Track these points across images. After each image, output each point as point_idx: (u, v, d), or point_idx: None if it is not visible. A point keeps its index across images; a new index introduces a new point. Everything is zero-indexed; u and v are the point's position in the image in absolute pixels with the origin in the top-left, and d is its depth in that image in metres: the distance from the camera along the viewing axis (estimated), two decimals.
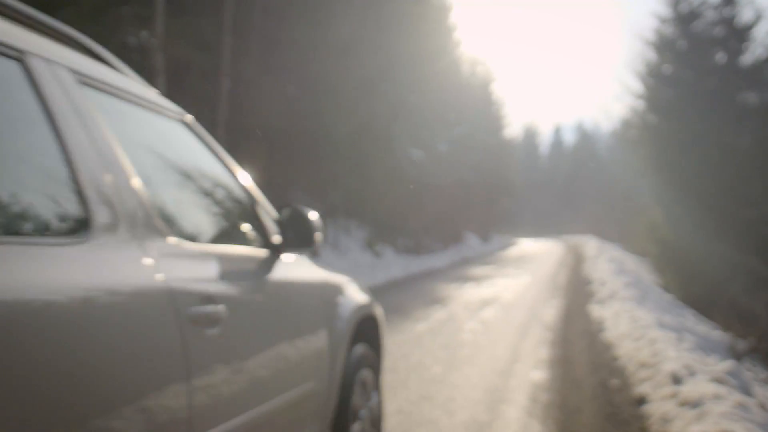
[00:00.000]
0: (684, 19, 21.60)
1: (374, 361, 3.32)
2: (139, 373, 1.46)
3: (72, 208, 1.45)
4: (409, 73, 23.14)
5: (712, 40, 20.77)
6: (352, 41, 19.10)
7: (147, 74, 11.42)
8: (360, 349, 3.10)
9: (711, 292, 14.23)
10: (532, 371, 5.87)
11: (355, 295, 3.19)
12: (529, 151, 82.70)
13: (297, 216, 2.55)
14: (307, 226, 2.52)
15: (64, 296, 1.27)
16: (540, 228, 68.46)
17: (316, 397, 2.59)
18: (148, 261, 1.60)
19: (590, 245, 32.44)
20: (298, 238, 2.52)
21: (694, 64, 20.62)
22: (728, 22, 20.61)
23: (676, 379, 4.62)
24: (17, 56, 1.44)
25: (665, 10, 22.27)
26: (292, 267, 2.62)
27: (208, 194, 2.40)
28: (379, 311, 3.47)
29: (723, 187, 16.62)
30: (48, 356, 1.20)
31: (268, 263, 2.40)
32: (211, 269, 1.92)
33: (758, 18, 20.25)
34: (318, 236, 2.58)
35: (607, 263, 18.46)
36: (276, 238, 2.51)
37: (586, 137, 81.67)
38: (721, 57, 20.64)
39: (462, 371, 5.81)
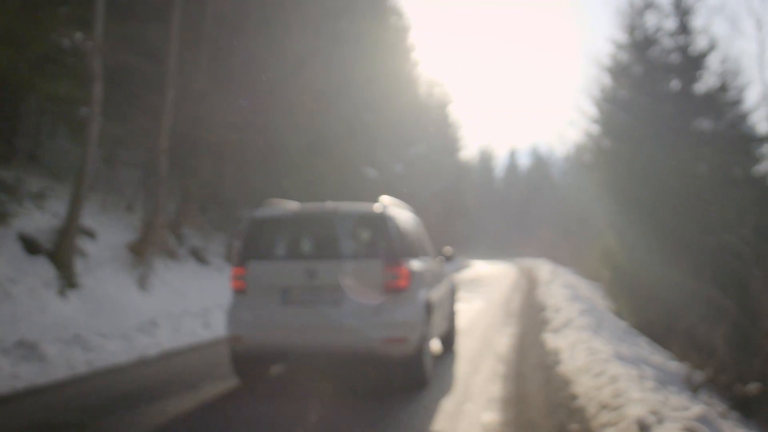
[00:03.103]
0: (640, 45, 21.71)
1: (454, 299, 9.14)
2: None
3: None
4: (365, 90, 22.72)
5: (668, 66, 20.88)
6: (308, 56, 18.60)
7: (82, 79, 10.72)
8: (453, 297, 9.02)
9: (666, 319, 13.99)
10: (484, 412, 5.35)
11: (453, 276, 9.71)
12: (484, 174, 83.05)
13: (444, 250, 8.51)
14: (449, 252, 8.49)
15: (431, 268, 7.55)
16: (494, 250, 68.55)
17: (449, 309, 8.53)
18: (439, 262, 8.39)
19: (544, 269, 32.27)
20: (446, 256, 8.43)
21: (650, 90, 20.66)
22: (683, 50, 20.76)
23: (644, 427, 4.15)
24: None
25: (621, 36, 22.40)
26: (444, 264, 8.53)
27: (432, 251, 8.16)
28: (457, 284, 9.78)
29: (679, 213, 16.48)
30: None
31: (441, 263, 8.32)
32: (438, 265, 8.14)
33: (712, 47, 20.44)
34: (452, 254, 8.52)
35: (562, 288, 18.15)
36: (440, 258, 8.32)
37: (540, 161, 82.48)
38: (675, 84, 20.73)
39: (406, 412, 5.28)
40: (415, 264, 6.50)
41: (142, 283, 12.14)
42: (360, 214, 6.43)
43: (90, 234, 12.43)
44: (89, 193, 13.41)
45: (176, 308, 11.71)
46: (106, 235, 12.95)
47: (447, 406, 5.57)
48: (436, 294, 7.21)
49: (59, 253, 10.71)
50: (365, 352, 5.89)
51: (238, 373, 6.45)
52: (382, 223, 6.22)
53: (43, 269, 10.26)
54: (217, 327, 10.38)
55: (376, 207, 6.37)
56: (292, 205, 6.74)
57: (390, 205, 6.59)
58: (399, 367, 6.09)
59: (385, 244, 6.13)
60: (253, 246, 6.37)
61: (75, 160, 12.33)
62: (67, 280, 10.49)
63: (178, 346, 8.87)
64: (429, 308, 6.51)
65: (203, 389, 6.22)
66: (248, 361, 6.36)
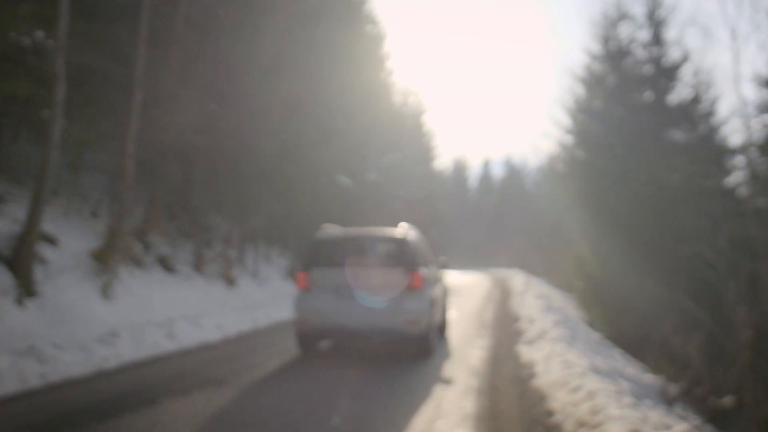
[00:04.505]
0: (613, 56, 21.74)
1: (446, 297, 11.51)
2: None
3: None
4: (339, 97, 22.48)
5: (641, 78, 20.90)
6: (280, 61, 18.32)
7: (43, 79, 10.33)
8: (446, 296, 11.47)
9: (639, 330, 13.89)
10: (456, 431, 5.10)
11: (446, 279, 12.04)
12: (458, 184, 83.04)
13: (440, 260, 11.13)
14: (445, 261, 11.15)
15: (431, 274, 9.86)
16: (467, 260, 68.42)
17: (443, 304, 10.87)
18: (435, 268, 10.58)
19: (517, 279, 32.18)
20: (442, 265, 11.03)
21: (623, 101, 20.67)
22: (656, 61, 20.81)
23: None
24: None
25: (595, 47, 22.41)
26: (442, 271, 11.16)
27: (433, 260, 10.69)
28: (448, 285, 12.56)
29: (653, 223, 16.43)
30: None
31: (438, 270, 10.76)
32: (437, 271, 10.66)
33: (685, 59, 20.51)
34: (445, 263, 11.17)
35: (535, 299, 18.00)
36: (438, 266, 10.87)
37: (514, 172, 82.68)
38: (649, 95, 20.75)
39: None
40: (425, 270, 9.07)
41: (106, 292, 11.72)
42: (387, 236, 9.06)
43: (51, 240, 11.99)
44: (52, 198, 12.97)
45: (140, 318, 11.33)
46: (69, 241, 12.50)
47: (417, 424, 5.33)
48: (437, 292, 9.80)
49: (18, 260, 10.27)
50: (394, 329, 8.40)
51: (301, 346, 8.97)
52: (402, 242, 8.85)
53: (0, 277, 9.83)
54: (182, 338, 10.03)
55: (398, 232, 9.04)
56: (339, 229, 9.60)
57: (407, 230, 9.20)
58: (413, 341, 8.59)
59: (406, 257, 8.70)
60: (314, 258, 8.96)
61: (38, 163, 11.90)
62: (26, 288, 10.05)
63: (139, 357, 8.50)
64: (432, 302, 9.04)
65: (161, 405, 5.89)
66: (309, 337, 8.88)
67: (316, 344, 9.15)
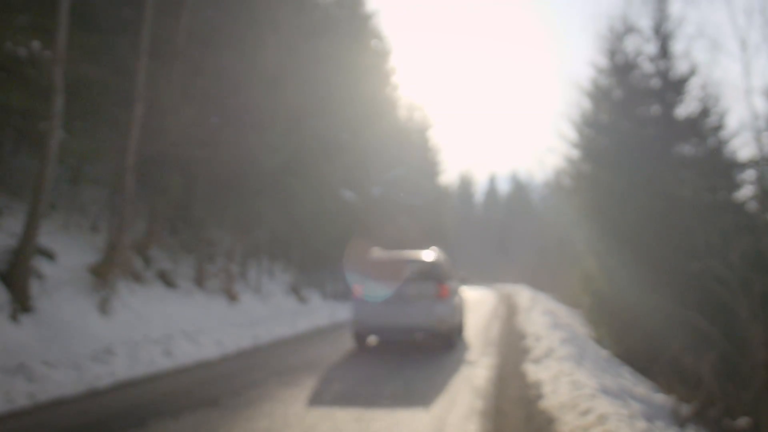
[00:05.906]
0: (620, 69, 21.54)
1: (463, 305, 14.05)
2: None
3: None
4: (343, 111, 22.32)
5: (648, 91, 20.69)
6: (284, 74, 18.18)
7: (40, 91, 10.16)
8: (463, 304, 13.91)
9: (648, 348, 13.58)
10: None
11: (463, 291, 14.44)
12: (464, 199, 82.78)
13: (462, 275, 15.04)
14: (464, 275, 15.57)
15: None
16: (473, 276, 67.84)
17: (462, 312, 13.35)
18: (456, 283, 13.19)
19: (523, 295, 31.82)
20: (461, 279, 14.42)
21: (630, 115, 20.46)
22: (664, 74, 20.60)
23: None
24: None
25: (602, 61, 22.22)
26: (461, 284, 13.96)
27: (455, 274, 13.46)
28: (465, 296, 15.33)
29: (661, 238, 16.14)
30: None
31: (458, 284, 13.45)
32: (457, 284, 13.34)
33: (693, 72, 20.31)
34: (464, 278, 15.20)
35: (542, 316, 17.68)
36: (458, 280, 13.65)
37: (520, 187, 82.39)
38: (656, 108, 20.53)
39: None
40: (450, 283, 11.54)
41: (103, 308, 11.49)
42: (421, 258, 11.49)
43: (49, 255, 11.78)
44: (50, 211, 12.77)
45: (137, 335, 11.08)
46: (67, 256, 12.30)
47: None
48: (457, 301, 12.46)
49: (13, 275, 10.07)
50: (426, 327, 10.99)
51: (357, 341, 11.43)
52: (433, 263, 11.38)
53: None
54: (180, 355, 9.78)
55: (430, 254, 11.61)
56: (384, 252, 12.23)
57: (437, 252, 11.83)
58: (440, 337, 11.20)
59: (436, 274, 11.20)
60: (366, 273, 11.37)
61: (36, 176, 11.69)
62: (21, 304, 9.84)
63: (133, 376, 8.25)
64: (454, 308, 11.67)
65: (149, 427, 5.62)
66: (362, 333, 11.30)
67: (367, 338, 11.47)
